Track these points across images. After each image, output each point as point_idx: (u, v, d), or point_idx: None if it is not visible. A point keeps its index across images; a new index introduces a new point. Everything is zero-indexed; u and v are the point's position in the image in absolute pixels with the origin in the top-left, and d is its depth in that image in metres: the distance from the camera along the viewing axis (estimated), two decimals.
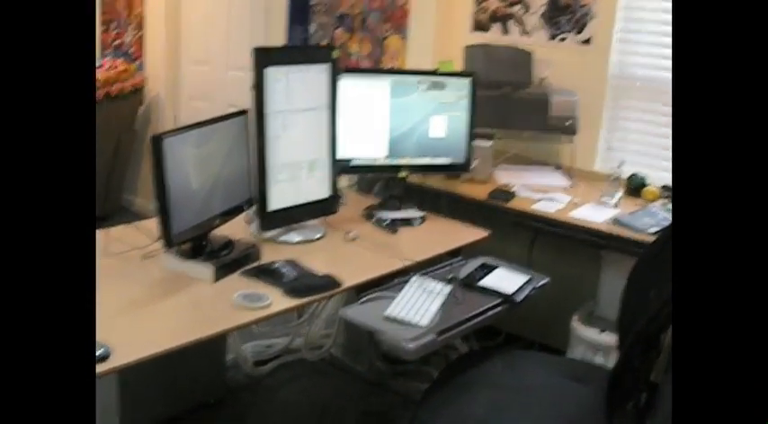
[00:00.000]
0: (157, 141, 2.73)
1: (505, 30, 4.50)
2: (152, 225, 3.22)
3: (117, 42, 6.56)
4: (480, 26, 4.60)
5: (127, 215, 6.26)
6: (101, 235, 3.22)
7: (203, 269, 2.88)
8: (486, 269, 3.23)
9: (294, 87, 3.27)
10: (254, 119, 3.18)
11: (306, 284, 2.88)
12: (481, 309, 2.93)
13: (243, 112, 3.22)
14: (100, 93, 5.66)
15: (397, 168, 3.74)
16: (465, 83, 3.74)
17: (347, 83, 3.56)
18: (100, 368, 2.23)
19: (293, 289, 2.82)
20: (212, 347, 3.74)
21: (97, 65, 6.11)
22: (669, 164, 3.96)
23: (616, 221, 3.54)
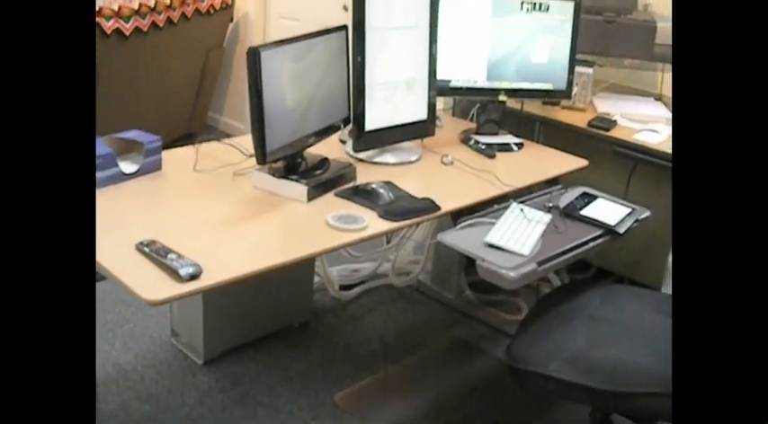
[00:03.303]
0: (255, 54, 2.64)
1: None
2: (244, 141, 3.17)
3: None
4: None
5: (213, 133, 6.27)
6: (190, 151, 3.18)
7: (297, 188, 2.81)
8: (587, 199, 3.13)
9: (394, 3, 3.17)
10: (352, 36, 3.09)
11: (403, 206, 2.79)
12: (583, 240, 2.84)
13: (343, 27, 3.12)
14: (189, 9, 5.59)
15: (496, 91, 3.62)
16: (569, 6, 3.60)
17: (447, 1, 3.44)
18: (190, 287, 2.18)
19: (390, 211, 2.74)
20: (300, 269, 3.70)
21: None
22: None
23: None
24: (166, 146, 3.07)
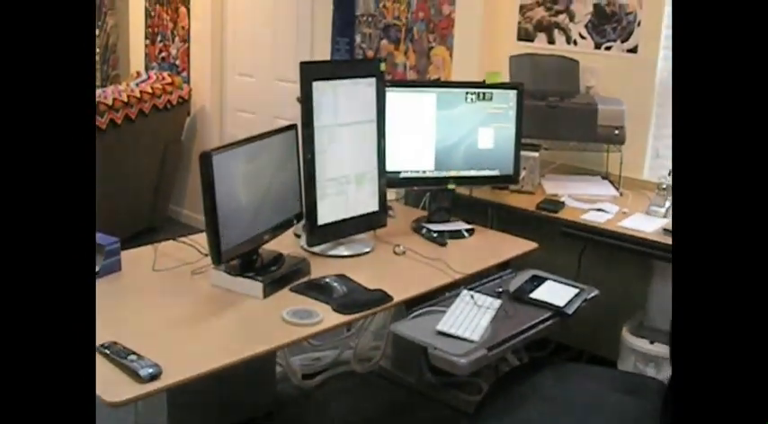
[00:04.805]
0: (207, 158, 2.72)
1: (551, 40, 4.48)
2: (201, 239, 3.24)
3: (163, 55, 6.61)
4: (526, 36, 4.57)
5: (174, 226, 6.30)
6: (149, 251, 3.24)
7: (253, 286, 2.88)
8: (537, 282, 3.22)
9: (341, 101, 3.28)
10: (302, 134, 3.18)
11: (356, 299, 2.88)
12: (532, 323, 2.92)
13: (292, 126, 3.22)
14: (147, 106, 5.69)
15: (445, 180, 3.73)
16: (512, 94, 3.73)
17: (393, 96, 3.56)
18: (151, 387, 2.25)
19: (343, 305, 2.82)
20: (262, 360, 3.74)
21: (144, 77, 6.15)
22: None
23: (666, 230, 3.50)
24: (127, 241, 3.13)
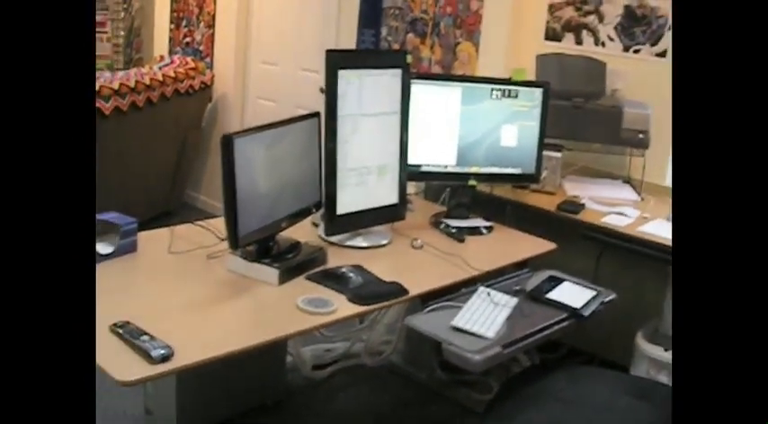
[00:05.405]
0: (228, 141, 2.71)
1: (579, 41, 4.45)
2: (218, 224, 3.22)
3: (187, 40, 6.60)
4: (553, 35, 4.54)
5: (190, 211, 6.30)
6: (166, 233, 3.23)
7: (268, 272, 2.86)
8: (554, 282, 3.19)
9: (366, 91, 3.25)
10: (325, 122, 3.16)
11: (372, 291, 2.86)
12: (548, 323, 2.90)
13: (315, 114, 3.20)
14: (169, 90, 5.69)
15: (466, 176, 3.70)
16: (538, 92, 3.70)
17: (418, 89, 3.54)
18: (161, 368, 2.24)
19: (359, 295, 2.80)
20: (273, 349, 3.73)
21: (167, 61, 6.15)
22: None
23: None
24: (144, 225, 3.12)
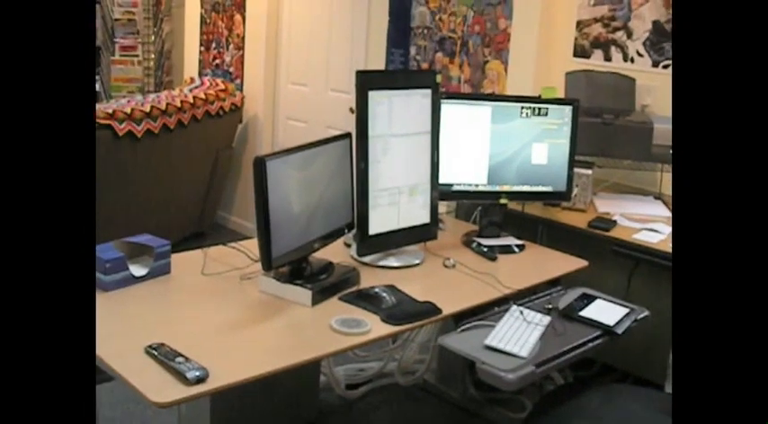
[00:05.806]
0: (260, 163, 2.73)
1: (608, 57, 4.45)
2: (250, 245, 3.24)
3: (217, 61, 6.65)
4: (582, 52, 4.55)
5: (222, 232, 6.34)
6: (199, 255, 3.25)
7: (302, 293, 2.88)
8: (587, 300, 3.18)
9: (396, 111, 3.27)
10: (356, 143, 3.18)
11: (405, 310, 2.86)
12: (581, 341, 2.89)
13: (347, 135, 3.22)
14: (199, 112, 5.73)
15: (497, 194, 3.71)
16: (567, 109, 3.71)
17: (448, 109, 3.55)
18: (197, 390, 2.25)
19: (392, 316, 2.81)
20: (307, 369, 3.73)
21: (197, 83, 6.20)
22: None
23: None
24: (176, 245, 3.15)
